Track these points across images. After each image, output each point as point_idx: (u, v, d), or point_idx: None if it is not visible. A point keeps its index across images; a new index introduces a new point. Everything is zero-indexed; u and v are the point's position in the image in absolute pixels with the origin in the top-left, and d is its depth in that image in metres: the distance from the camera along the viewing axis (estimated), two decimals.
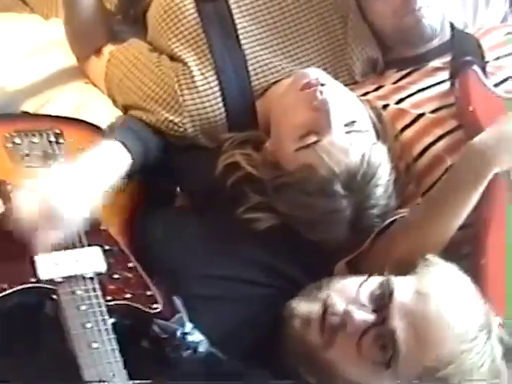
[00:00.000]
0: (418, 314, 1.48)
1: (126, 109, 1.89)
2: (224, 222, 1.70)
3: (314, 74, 1.74)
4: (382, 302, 1.51)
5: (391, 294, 1.51)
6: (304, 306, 1.56)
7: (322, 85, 1.70)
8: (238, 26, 1.87)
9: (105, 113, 1.89)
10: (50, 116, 1.84)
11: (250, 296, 1.62)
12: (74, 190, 1.51)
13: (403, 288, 1.52)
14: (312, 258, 1.67)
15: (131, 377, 1.37)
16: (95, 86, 1.97)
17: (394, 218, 1.70)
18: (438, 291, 1.51)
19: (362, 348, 1.49)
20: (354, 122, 1.68)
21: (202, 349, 1.48)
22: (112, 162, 1.64)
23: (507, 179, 1.67)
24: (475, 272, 1.62)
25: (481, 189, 1.64)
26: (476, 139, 1.67)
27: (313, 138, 1.65)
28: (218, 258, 1.64)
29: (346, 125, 1.67)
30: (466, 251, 1.71)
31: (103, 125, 1.83)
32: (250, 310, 1.61)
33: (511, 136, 1.66)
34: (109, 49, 1.94)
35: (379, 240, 1.69)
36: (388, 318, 1.49)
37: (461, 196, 1.64)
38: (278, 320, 1.59)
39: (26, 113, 1.87)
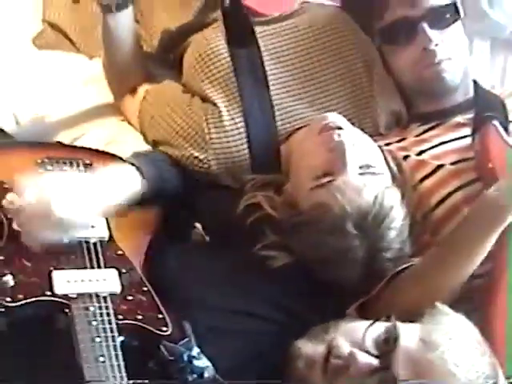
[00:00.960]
0: (422, 362, 1.46)
1: (155, 145, 1.92)
2: (240, 258, 1.72)
3: (332, 118, 1.79)
4: (386, 347, 1.50)
5: (396, 339, 1.49)
6: (309, 347, 1.55)
7: (339, 128, 1.74)
8: (268, 73, 1.91)
9: (135, 148, 1.91)
10: (82, 148, 1.87)
11: (259, 332, 1.63)
12: (75, 194, 1.55)
13: (409, 335, 1.50)
14: (324, 299, 1.67)
15: None
16: (129, 123, 2.02)
17: (407, 265, 1.69)
18: (443, 340, 1.49)
19: None
20: (369, 165, 1.71)
21: (207, 374, 1.47)
22: (121, 180, 1.67)
23: None
24: (485, 326, 1.60)
25: (493, 238, 1.64)
26: (491, 189, 1.68)
27: (328, 178, 1.68)
28: (231, 292, 1.65)
29: (360, 167, 1.70)
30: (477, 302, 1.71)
31: None
32: (259, 346, 1.61)
33: None
34: (144, 88, 1.99)
35: (390, 286, 1.67)
36: (392, 364, 1.47)
37: (473, 245, 1.64)
38: (284, 358, 1.57)
39: (59, 143, 1.92)
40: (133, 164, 1.72)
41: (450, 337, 1.49)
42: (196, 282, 1.65)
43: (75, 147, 1.89)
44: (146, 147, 1.96)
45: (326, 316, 1.62)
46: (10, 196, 1.57)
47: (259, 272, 1.69)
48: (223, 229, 1.78)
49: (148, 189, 1.71)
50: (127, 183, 1.68)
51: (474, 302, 1.70)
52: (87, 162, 1.78)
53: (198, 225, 1.82)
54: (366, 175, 1.69)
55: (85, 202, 1.57)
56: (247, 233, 1.75)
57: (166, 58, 2.08)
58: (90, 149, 1.87)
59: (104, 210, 1.61)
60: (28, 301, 1.45)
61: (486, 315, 1.66)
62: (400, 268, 1.69)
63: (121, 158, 1.84)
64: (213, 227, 1.80)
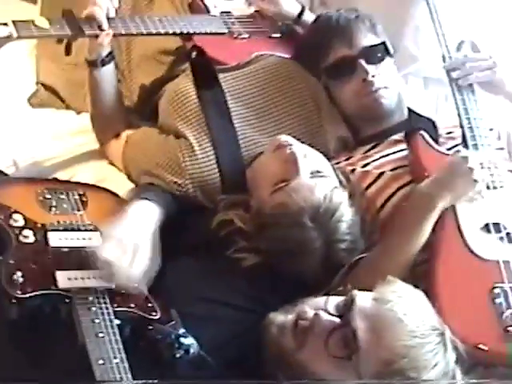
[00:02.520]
0: (375, 315, 1.62)
1: (138, 179, 2.12)
2: (216, 260, 1.89)
3: (284, 137, 2.01)
4: (345, 308, 1.65)
5: (353, 301, 1.64)
6: (280, 316, 1.70)
7: (291, 145, 1.96)
8: (231, 110, 2.14)
9: (122, 185, 2.12)
10: (75, 182, 2.09)
11: (235, 318, 1.78)
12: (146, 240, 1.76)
13: (364, 297, 1.66)
14: (290, 290, 1.80)
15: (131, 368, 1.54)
16: (114, 165, 2.23)
17: (362, 255, 1.88)
18: (393, 297, 1.64)
19: (329, 347, 1.61)
20: (318, 170, 1.93)
21: (193, 350, 1.63)
22: (150, 215, 1.86)
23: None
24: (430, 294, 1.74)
25: (430, 223, 1.85)
26: (422, 183, 1.91)
27: (284, 183, 1.89)
28: (210, 286, 1.82)
29: (311, 172, 1.91)
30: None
31: (120, 193, 2.08)
32: (234, 330, 1.76)
33: (451, 178, 1.89)
34: (126, 133, 2.20)
35: (349, 277, 1.84)
36: (350, 320, 1.62)
37: (412, 230, 1.85)
38: (260, 336, 1.72)
39: (55, 178, 2.11)
40: (146, 198, 1.91)
41: (398, 295, 1.65)
42: (181, 280, 1.82)
43: (70, 182, 2.10)
44: (130, 185, 2.16)
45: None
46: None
47: (233, 270, 1.86)
48: (201, 241, 1.96)
49: (163, 216, 1.89)
50: (151, 217, 1.86)
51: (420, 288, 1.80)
52: (80, 192, 1.99)
53: None
54: (317, 178, 1.91)
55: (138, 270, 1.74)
56: (221, 242, 1.93)
57: (144, 110, 2.30)
58: (82, 183, 2.08)
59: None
60: (36, 293, 1.62)
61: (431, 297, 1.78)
62: (356, 258, 1.87)
63: (110, 191, 2.06)
64: (192, 241, 1.96)
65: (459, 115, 2.10)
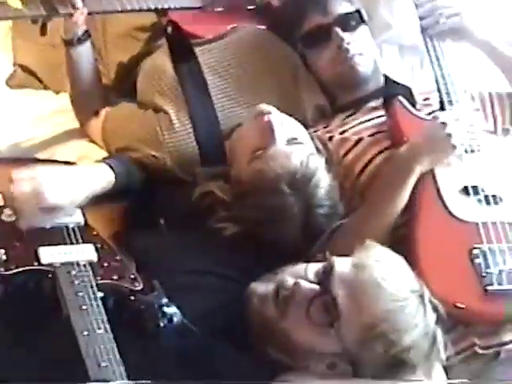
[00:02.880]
0: (354, 281, 1.64)
1: (118, 153, 2.13)
2: (198, 231, 1.92)
3: (263, 106, 2.02)
4: (324, 275, 1.67)
5: (332, 268, 1.66)
6: (261, 286, 1.73)
7: (269, 113, 1.98)
8: (209, 83, 2.16)
9: None
10: (56, 161, 2.11)
11: (218, 287, 1.80)
12: (63, 184, 1.78)
13: (343, 263, 1.68)
14: (271, 257, 1.82)
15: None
16: (95, 143, 2.24)
17: (340, 222, 1.90)
18: (371, 262, 1.66)
19: (311, 314, 1.64)
20: (295, 138, 1.95)
21: (176, 319, 1.65)
22: (96, 172, 1.89)
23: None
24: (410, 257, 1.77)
25: (409, 186, 1.88)
26: (400, 148, 1.94)
27: (261, 151, 1.91)
28: (193, 256, 1.85)
29: (287, 140, 1.93)
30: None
31: None
32: (219, 298, 1.77)
33: (429, 143, 1.92)
34: (105, 111, 2.22)
35: (330, 243, 1.87)
36: (330, 287, 1.64)
37: (391, 194, 1.88)
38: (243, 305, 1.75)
39: (36, 158, 2.14)
40: (105, 163, 1.95)
41: (377, 259, 1.67)
42: (163, 252, 1.85)
43: (50, 161, 2.11)
44: None
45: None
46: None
47: (214, 240, 1.89)
48: (182, 214, 1.99)
49: (118, 182, 1.92)
50: (101, 177, 1.90)
51: (400, 251, 1.83)
52: None
53: (161, 220, 2.04)
54: (293, 145, 1.93)
55: (71, 190, 1.79)
56: (203, 214, 1.95)
57: (123, 87, 2.32)
58: (64, 161, 2.09)
59: (83, 199, 1.83)
60: (19, 269, 1.64)
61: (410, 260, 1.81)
62: (336, 224, 1.90)
63: None
64: (173, 214, 2.00)
65: (435, 74, 2.11)
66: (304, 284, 1.66)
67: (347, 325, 1.62)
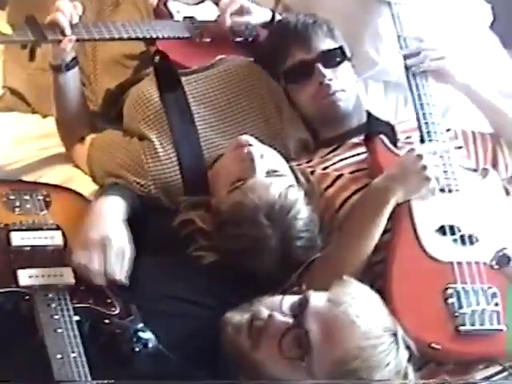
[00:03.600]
0: (328, 317, 1.65)
1: (103, 180, 2.16)
2: (177, 259, 1.93)
3: (244, 137, 2.06)
4: (299, 309, 1.68)
5: (307, 301, 1.68)
6: (236, 316, 1.74)
7: (250, 145, 2.02)
8: (194, 112, 2.20)
9: (87, 187, 2.18)
10: (40, 183, 2.14)
11: (194, 314, 1.81)
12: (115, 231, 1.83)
13: (318, 298, 1.69)
14: (247, 287, 1.84)
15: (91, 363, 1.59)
16: (79, 168, 2.27)
17: (318, 255, 1.92)
18: (346, 298, 1.67)
19: (283, 347, 1.64)
20: (274, 170, 1.98)
21: (151, 344, 1.67)
22: (116, 208, 1.92)
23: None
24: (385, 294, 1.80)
25: (383, 217, 1.90)
26: (375, 180, 1.96)
27: (241, 182, 1.95)
28: (171, 283, 1.86)
29: (267, 172, 1.97)
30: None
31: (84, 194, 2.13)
32: (194, 326, 1.79)
33: (404, 174, 1.94)
34: (91, 137, 2.25)
35: (307, 275, 1.89)
36: (304, 321, 1.66)
37: (366, 224, 1.90)
38: (218, 333, 1.77)
39: (21, 180, 2.18)
40: (113, 194, 1.97)
41: (352, 296, 1.68)
42: (142, 277, 1.86)
43: (34, 183, 2.16)
44: (96, 187, 2.20)
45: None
46: None
47: (193, 268, 1.91)
48: (163, 240, 2.00)
49: (129, 211, 1.95)
50: (120, 210, 1.93)
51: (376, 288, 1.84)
52: (44, 192, 2.04)
53: None
54: (272, 177, 1.96)
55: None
56: (182, 241, 1.98)
57: (109, 114, 2.35)
58: (47, 184, 2.13)
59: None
60: None
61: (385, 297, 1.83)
62: (314, 257, 1.91)
63: (74, 191, 2.11)
64: (154, 241, 2.00)
65: (416, 113, 2.14)
66: (278, 317, 1.68)
67: (318, 359, 1.63)
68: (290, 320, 1.67)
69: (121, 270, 1.79)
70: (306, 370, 1.64)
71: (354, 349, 1.61)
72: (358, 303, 1.68)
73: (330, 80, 2.21)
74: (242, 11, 2.40)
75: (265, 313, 1.70)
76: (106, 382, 1.56)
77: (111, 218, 1.86)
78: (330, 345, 1.63)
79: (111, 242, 1.80)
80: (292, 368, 1.65)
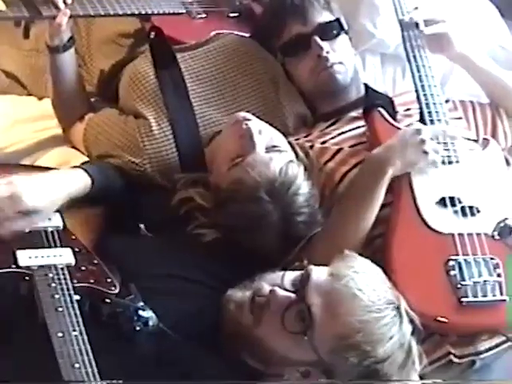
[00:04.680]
0: (330, 291, 1.65)
1: (99, 159, 2.15)
2: (177, 237, 1.94)
3: (242, 114, 2.06)
4: (301, 284, 1.69)
5: (308, 276, 1.68)
6: (238, 293, 1.75)
7: (248, 120, 2.02)
8: (189, 89, 2.19)
9: None
10: (38, 167, 2.15)
11: (195, 293, 1.82)
12: (40, 188, 1.80)
13: (319, 272, 1.69)
14: (249, 265, 1.83)
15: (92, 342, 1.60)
16: (76, 149, 2.27)
17: (318, 230, 1.93)
18: (348, 272, 1.67)
19: (285, 322, 1.65)
20: (274, 145, 1.98)
21: (151, 323, 1.67)
22: (72, 176, 1.91)
23: None
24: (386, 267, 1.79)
25: (382, 188, 1.90)
26: (373, 151, 1.97)
27: (240, 158, 1.95)
28: (171, 262, 1.87)
29: (266, 148, 1.97)
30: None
31: None
32: (195, 305, 1.79)
33: (402, 146, 1.94)
34: (88, 116, 2.24)
35: (307, 249, 1.90)
36: (306, 296, 1.66)
37: (364, 195, 1.90)
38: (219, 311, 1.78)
39: (19, 164, 2.18)
40: (82, 168, 1.97)
41: (354, 270, 1.68)
42: (142, 256, 1.88)
43: (32, 166, 2.16)
44: None
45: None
46: None
47: (193, 246, 1.91)
48: (161, 219, 2.01)
49: (95, 187, 1.93)
50: (78, 181, 1.91)
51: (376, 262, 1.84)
52: None
53: (141, 225, 2.05)
54: (272, 152, 1.96)
55: (48, 194, 1.81)
56: (182, 219, 1.98)
57: (106, 93, 2.35)
58: (46, 167, 2.12)
59: (60, 202, 1.85)
60: None
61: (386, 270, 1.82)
62: (314, 232, 1.92)
63: None
64: (153, 220, 2.02)
65: (415, 86, 2.13)
66: (280, 292, 1.68)
67: (321, 334, 1.64)
68: (292, 295, 1.68)
69: (14, 223, 1.76)
70: (309, 344, 1.64)
71: (356, 322, 1.62)
72: (360, 277, 1.68)
73: (328, 53, 2.21)
74: None
75: (266, 289, 1.70)
76: (114, 381, 1.55)
77: (52, 183, 1.85)
78: (332, 318, 1.63)
79: (24, 197, 1.77)
80: (294, 342, 1.66)
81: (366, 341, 1.62)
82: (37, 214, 1.79)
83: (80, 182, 1.92)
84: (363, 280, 1.67)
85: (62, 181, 1.88)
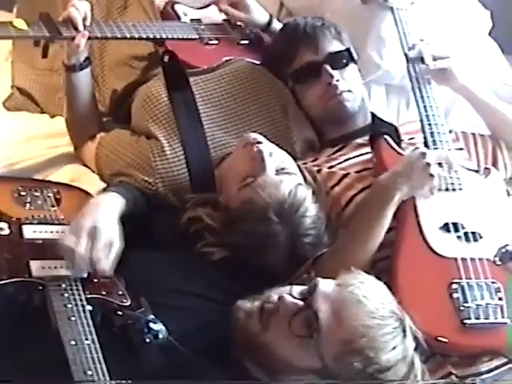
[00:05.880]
0: (336, 298, 1.69)
1: (110, 178, 2.18)
2: (186, 254, 1.96)
3: (253, 135, 2.08)
4: (308, 293, 1.72)
5: (315, 286, 1.72)
6: (247, 303, 1.77)
7: (259, 143, 2.04)
8: (201, 112, 2.22)
9: (94, 186, 2.19)
10: (50, 181, 2.17)
11: (203, 308, 1.84)
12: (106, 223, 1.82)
13: (326, 283, 1.73)
14: (256, 282, 1.85)
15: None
16: (87, 167, 2.29)
17: (324, 251, 1.95)
18: (354, 281, 1.72)
19: (292, 328, 1.68)
20: (284, 168, 2.01)
21: (161, 335, 1.69)
22: (113, 201, 1.92)
23: None
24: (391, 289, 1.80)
25: (389, 212, 1.92)
26: (380, 177, 1.99)
27: (251, 179, 1.97)
28: (180, 277, 1.89)
29: (277, 170, 1.99)
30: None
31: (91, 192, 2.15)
32: (203, 320, 1.82)
33: (408, 171, 1.96)
34: (100, 135, 2.27)
35: (314, 269, 1.90)
36: (313, 303, 1.69)
37: (371, 220, 1.93)
38: (227, 325, 1.79)
39: (31, 178, 2.19)
40: (113, 191, 1.98)
41: (360, 281, 1.72)
42: (151, 272, 1.88)
43: (44, 181, 2.18)
44: (102, 184, 2.22)
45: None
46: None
47: (202, 264, 1.93)
48: (171, 237, 2.02)
49: (127, 209, 1.94)
50: (118, 203, 1.92)
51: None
52: (54, 189, 2.07)
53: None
54: (282, 174, 1.98)
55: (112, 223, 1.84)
56: (190, 238, 1.99)
57: (117, 114, 2.39)
58: (57, 182, 2.17)
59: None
60: (10, 280, 1.68)
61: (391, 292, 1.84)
62: (320, 253, 1.94)
63: (81, 189, 2.13)
64: (162, 238, 2.03)
65: (420, 115, 2.17)
66: (288, 298, 1.72)
67: (326, 338, 1.67)
68: (300, 302, 1.71)
69: (105, 260, 1.77)
70: (315, 349, 1.66)
71: (361, 327, 1.65)
72: (366, 286, 1.72)
73: (338, 81, 2.25)
74: (240, 4, 2.46)
75: (275, 296, 1.74)
76: (124, 382, 1.57)
77: (105, 211, 1.86)
78: (337, 323, 1.67)
79: (100, 232, 1.79)
80: (300, 347, 1.69)
81: (369, 346, 1.65)
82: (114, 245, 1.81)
83: (119, 203, 1.93)
84: (368, 289, 1.72)
85: (110, 205, 1.90)
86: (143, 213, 2.04)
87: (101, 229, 1.79)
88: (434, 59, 2.24)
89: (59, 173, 2.28)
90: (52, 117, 2.47)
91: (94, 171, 2.27)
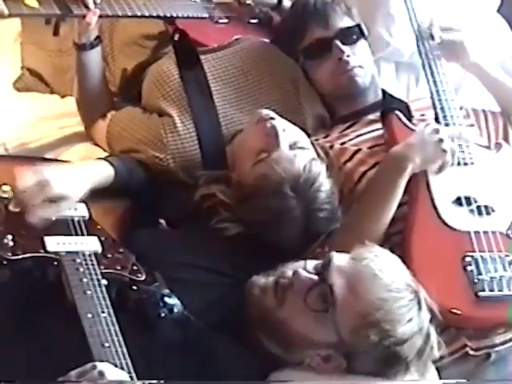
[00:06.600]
0: (352, 271, 1.69)
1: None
2: (200, 231, 1.96)
3: (265, 111, 2.07)
4: (323, 267, 1.71)
5: (330, 260, 1.71)
6: (262, 279, 1.77)
7: (272, 118, 2.03)
8: (212, 89, 2.21)
9: None
10: (61, 160, 2.16)
11: (218, 283, 1.85)
12: (66, 176, 1.82)
13: (341, 257, 1.72)
14: (270, 258, 1.85)
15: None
16: (98, 146, 2.28)
17: (338, 225, 1.94)
18: (369, 255, 1.72)
19: (308, 302, 1.68)
20: (297, 142, 1.99)
21: (176, 310, 1.69)
22: (96, 167, 1.95)
23: None
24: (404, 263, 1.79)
25: (401, 184, 1.92)
26: (393, 148, 1.99)
27: (265, 154, 1.96)
28: (195, 253, 1.89)
29: (290, 145, 1.98)
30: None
31: None
32: (218, 294, 1.83)
33: (421, 144, 1.96)
34: (111, 114, 2.25)
35: (327, 243, 1.90)
36: (328, 277, 1.69)
37: (385, 191, 1.92)
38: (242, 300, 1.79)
39: (43, 158, 2.19)
40: (105, 160, 2.00)
41: (375, 254, 1.72)
42: (166, 248, 1.89)
43: (55, 159, 2.17)
44: None
45: None
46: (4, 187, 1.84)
47: (216, 239, 1.93)
48: (183, 214, 2.03)
49: (118, 178, 1.96)
50: (102, 171, 1.94)
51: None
52: None
53: (161, 221, 2.06)
54: (296, 149, 1.97)
55: (73, 182, 1.83)
56: (204, 214, 1.99)
57: (128, 94, 2.35)
58: (68, 161, 2.14)
59: (85, 191, 1.86)
60: (26, 255, 1.68)
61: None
62: (334, 227, 1.94)
63: None
64: (175, 214, 2.04)
65: (430, 90, 2.16)
66: (303, 273, 1.71)
67: (342, 312, 1.66)
68: (315, 277, 1.70)
69: (39, 209, 1.76)
70: (331, 323, 1.66)
71: (376, 300, 1.65)
72: (380, 259, 1.72)
73: (348, 56, 2.24)
74: None
75: (290, 272, 1.73)
76: (155, 382, 1.55)
77: (78, 171, 1.88)
78: (353, 297, 1.66)
79: (49, 183, 1.77)
80: (316, 321, 1.68)
81: (385, 319, 1.64)
82: (64, 201, 1.80)
83: (104, 172, 1.95)
84: (383, 262, 1.71)
85: (86, 170, 1.92)
86: (141, 185, 2.04)
87: (50, 182, 1.77)
88: (446, 31, 2.22)
89: (70, 152, 2.27)
90: (62, 97, 2.46)
91: (105, 150, 2.25)
